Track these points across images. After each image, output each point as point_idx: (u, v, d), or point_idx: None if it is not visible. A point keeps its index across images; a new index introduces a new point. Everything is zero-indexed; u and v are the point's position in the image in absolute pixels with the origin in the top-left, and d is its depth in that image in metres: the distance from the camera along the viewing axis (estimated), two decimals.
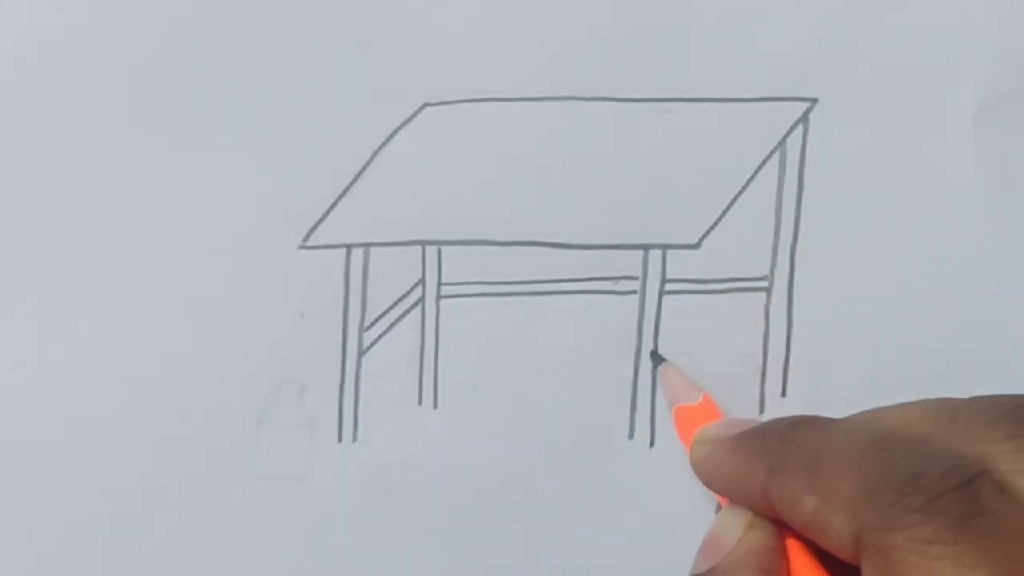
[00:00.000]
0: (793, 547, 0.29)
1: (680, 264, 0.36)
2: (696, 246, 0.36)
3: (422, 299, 0.36)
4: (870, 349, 0.37)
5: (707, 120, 0.36)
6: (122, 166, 0.36)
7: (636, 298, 0.36)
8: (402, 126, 0.36)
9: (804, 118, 0.36)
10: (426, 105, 0.36)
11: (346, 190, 0.36)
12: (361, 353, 0.36)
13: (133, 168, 0.36)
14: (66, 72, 0.35)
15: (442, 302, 0.36)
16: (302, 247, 0.36)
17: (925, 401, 0.28)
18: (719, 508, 0.32)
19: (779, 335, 0.36)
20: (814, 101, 0.36)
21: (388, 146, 0.36)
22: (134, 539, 0.36)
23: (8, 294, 0.36)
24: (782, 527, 0.29)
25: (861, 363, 0.36)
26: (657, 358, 0.36)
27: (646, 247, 0.36)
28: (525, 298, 0.36)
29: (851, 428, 0.28)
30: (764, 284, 0.36)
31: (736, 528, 0.30)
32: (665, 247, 0.36)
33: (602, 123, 0.36)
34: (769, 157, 0.36)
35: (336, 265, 0.36)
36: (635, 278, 0.36)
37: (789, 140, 0.36)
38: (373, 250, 0.36)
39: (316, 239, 0.36)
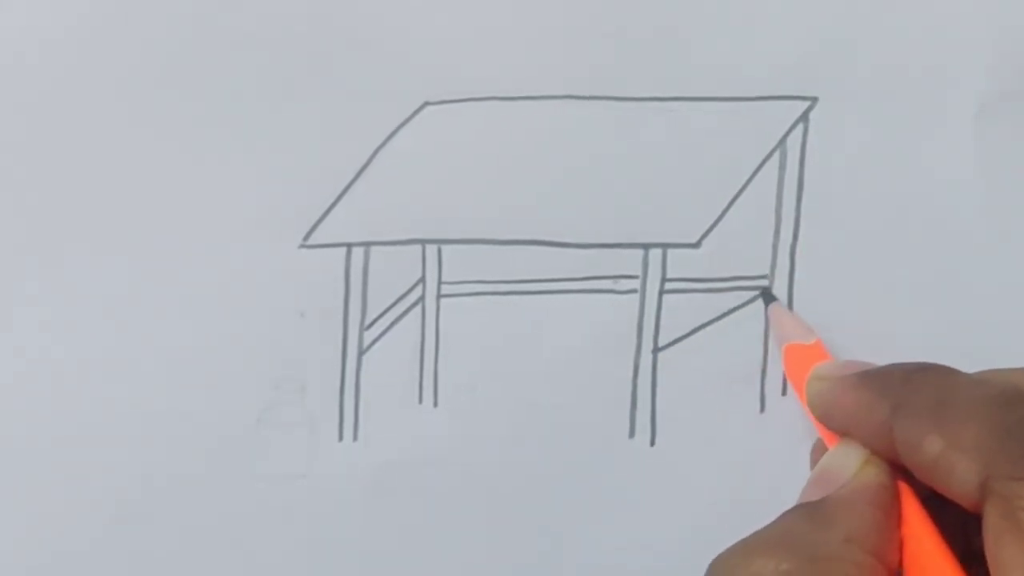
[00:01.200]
0: (905, 491, 0.29)
1: (680, 263, 0.36)
2: (696, 245, 0.36)
3: (422, 298, 0.36)
4: (870, 348, 0.36)
5: (707, 120, 0.36)
6: (122, 166, 0.36)
7: (636, 297, 0.36)
8: (402, 125, 0.36)
9: (804, 117, 0.36)
10: (426, 104, 0.36)
11: (346, 189, 0.36)
12: (361, 352, 0.36)
13: (133, 168, 0.36)
14: (66, 72, 0.35)
15: (442, 301, 0.36)
16: (302, 247, 0.36)
17: None
18: (816, 451, 0.32)
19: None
20: (814, 100, 0.36)
21: (388, 145, 0.36)
22: (134, 538, 0.36)
23: (8, 294, 0.36)
24: (897, 469, 0.29)
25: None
26: (769, 296, 0.36)
27: (646, 246, 0.36)
28: (525, 297, 0.36)
29: (979, 379, 0.29)
30: (765, 283, 0.36)
31: (851, 463, 0.29)
32: (665, 246, 0.36)
33: (602, 123, 0.36)
34: (769, 156, 0.36)
35: (336, 264, 0.36)
36: (635, 277, 0.36)
37: (789, 139, 0.36)
38: (373, 249, 0.36)
39: (316, 239, 0.36)
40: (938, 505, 0.28)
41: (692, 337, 0.36)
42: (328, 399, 0.36)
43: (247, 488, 0.36)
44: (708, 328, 0.36)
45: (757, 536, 0.27)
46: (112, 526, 0.36)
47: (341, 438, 0.36)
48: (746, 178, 0.36)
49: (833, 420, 0.32)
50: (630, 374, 0.36)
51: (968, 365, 0.36)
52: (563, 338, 0.36)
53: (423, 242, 0.36)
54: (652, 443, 0.36)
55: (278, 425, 0.36)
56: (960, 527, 0.28)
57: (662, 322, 0.36)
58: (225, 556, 0.36)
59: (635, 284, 0.36)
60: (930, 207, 0.36)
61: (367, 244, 0.36)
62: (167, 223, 0.36)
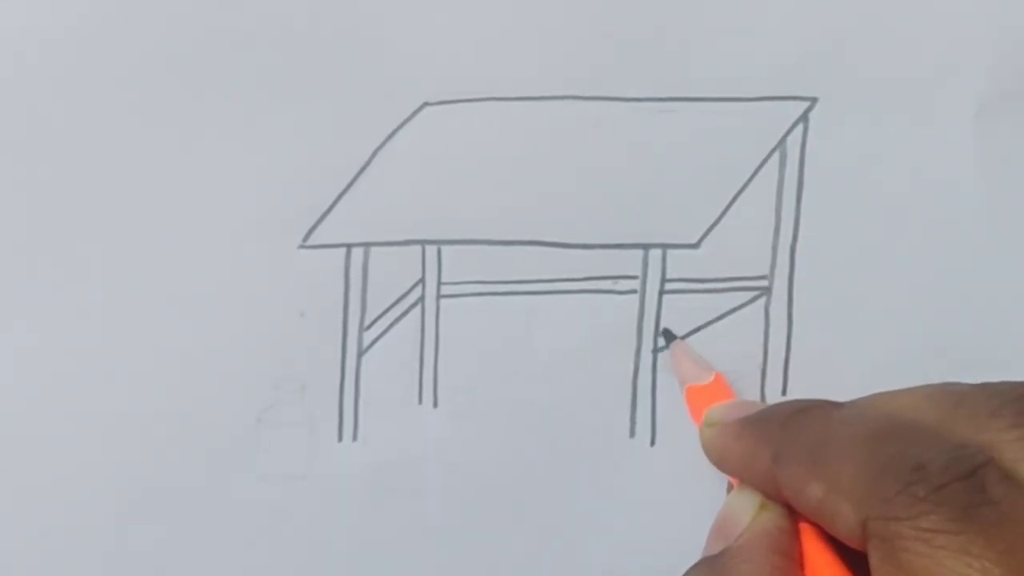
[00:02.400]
0: (805, 530, 0.29)
1: (680, 264, 0.36)
2: (696, 246, 0.36)
3: (422, 299, 0.36)
4: (870, 348, 0.37)
5: (707, 120, 0.36)
6: (122, 166, 0.36)
7: (636, 297, 0.36)
8: (402, 126, 0.36)
9: (804, 117, 0.36)
10: (426, 105, 0.36)
11: (346, 190, 0.36)
12: (361, 352, 0.36)
13: (133, 168, 0.36)
14: (66, 72, 0.35)
15: (442, 302, 0.36)
16: (302, 247, 0.36)
17: (929, 386, 0.28)
18: (730, 488, 0.32)
19: (779, 334, 0.36)
20: (814, 101, 0.36)
21: (388, 146, 0.36)
22: (134, 538, 0.36)
23: (8, 294, 0.36)
24: (794, 513, 0.29)
25: (861, 362, 0.37)
26: (670, 335, 0.36)
27: (646, 247, 0.36)
28: (525, 298, 0.36)
29: (854, 415, 0.28)
30: (764, 284, 0.36)
31: (748, 509, 0.30)
32: (665, 247, 0.36)
33: (602, 123, 0.36)
34: (769, 157, 0.36)
35: (336, 265, 0.36)
36: (635, 277, 0.36)
37: (789, 140, 0.36)
38: (373, 250, 0.36)
39: (316, 239, 0.36)
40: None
41: (692, 337, 0.36)
42: (328, 399, 0.36)
43: (247, 488, 0.36)
44: (708, 328, 0.36)
45: None
46: (112, 526, 0.36)
47: (341, 438, 0.36)
48: (746, 178, 0.36)
49: (726, 467, 0.32)
50: (630, 374, 0.36)
51: (968, 365, 0.37)
52: (563, 338, 0.36)
53: (423, 242, 0.36)
54: (652, 443, 0.36)
55: (278, 425, 0.36)
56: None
57: (662, 322, 0.36)
58: (225, 556, 0.36)
59: (635, 284, 0.36)
60: (930, 207, 0.36)
61: (367, 244, 0.36)
62: (167, 223, 0.36)
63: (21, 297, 0.36)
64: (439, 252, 0.36)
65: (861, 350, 0.37)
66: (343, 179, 0.36)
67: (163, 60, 0.35)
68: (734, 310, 0.36)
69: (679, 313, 0.36)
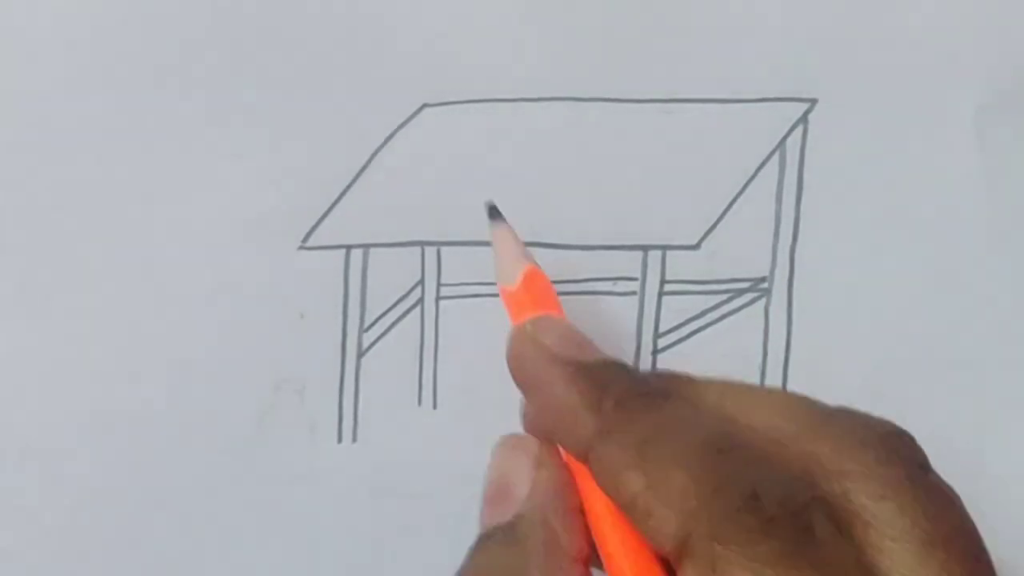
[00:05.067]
0: (582, 474, 0.28)
1: (679, 265, 0.36)
2: (696, 247, 0.36)
3: (421, 299, 0.36)
4: (870, 349, 0.37)
5: (707, 120, 0.36)
6: (122, 166, 0.36)
7: (636, 299, 0.36)
8: (402, 126, 0.36)
9: (804, 118, 0.36)
10: (426, 106, 0.36)
11: (346, 190, 0.36)
12: (361, 354, 0.36)
13: (133, 168, 0.36)
14: (66, 72, 0.35)
15: (441, 303, 0.36)
16: (302, 247, 0.36)
17: (791, 396, 0.28)
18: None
19: (779, 335, 0.37)
20: (814, 101, 0.36)
21: (387, 147, 0.36)
22: (133, 539, 0.36)
23: (8, 294, 0.36)
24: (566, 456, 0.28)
25: (861, 363, 0.37)
26: (493, 211, 0.33)
27: (645, 248, 0.36)
28: None
29: (696, 417, 0.27)
30: (764, 284, 0.36)
31: (524, 470, 0.29)
32: (665, 248, 0.36)
33: (602, 123, 0.36)
34: (769, 157, 0.36)
35: (336, 265, 0.36)
36: (634, 279, 0.36)
37: (789, 140, 0.36)
38: (372, 251, 0.36)
39: (315, 240, 0.36)
40: None
41: (691, 339, 0.36)
42: (327, 400, 0.36)
43: (247, 489, 0.36)
44: (707, 330, 0.36)
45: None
46: (112, 527, 0.36)
47: (340, 439, 0.36)
48: (745, 180, 0.36)
49: (531, 399, 0.30)
50: None
51: (968, 365, 0.37)
52: None
53: (422, 244, 0.36)
54: None
55: (277, 426, 0.36)
56: None
57: (661, 324, 0.36)
58: (225, 557, 0.36)
59: (634, 286, 0.36)
60: (930, 207, 0.36)
61: (366, 246, 0.36)
62: (167, 224, 0.36)
63: (21, 298, 0.36)
64: (439, 253, 0.36)
65: (861, 350, 0.37)
66: (343, 180, 0.36)
67: (163, 60, 0.35)
68: (734, 311, 0.36)
69: (679, 314, 0.36)
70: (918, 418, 0.36)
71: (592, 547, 0.28)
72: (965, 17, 0.36)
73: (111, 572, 0.36)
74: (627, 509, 0.26)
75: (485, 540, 0.28)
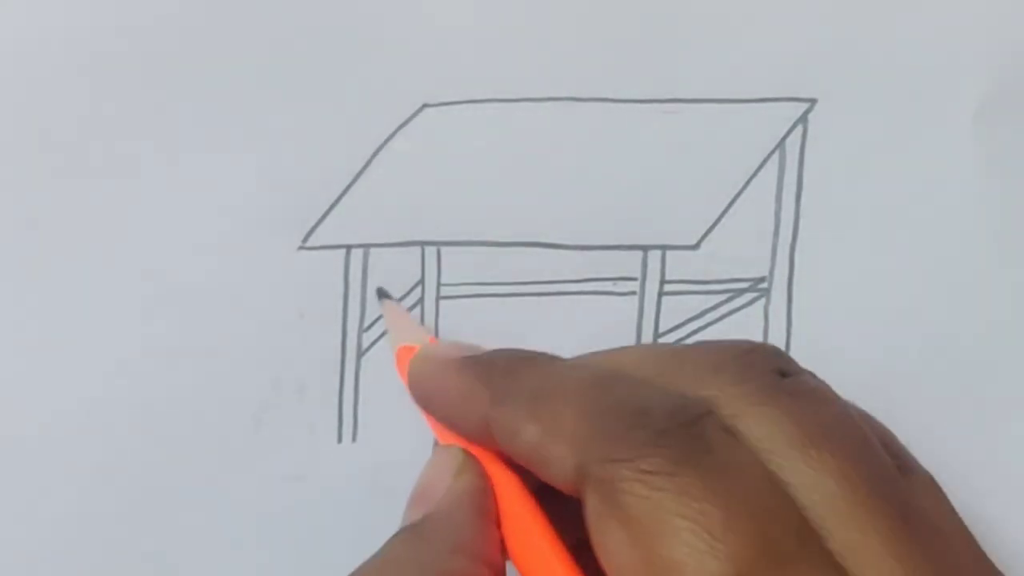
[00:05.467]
0: (513, 485, 0.29)
1: (679, 265, 0.36)
2: (695, 247, 0.36)
3: (421, 300, 0.36)
4: (869, 349, 0.37)
5: (707, 120, 0.36)
6: (122, 166, 0.36)
7: (635, 299, 0.36)
8: (402, 126, 0.36)
9: (803, 118, 0.36)
10: (426, 105, 0.36)
11: (346, 190, 0.36)
12: (360, 353, 0.36)
13: (133, 168, 0.36)
14: (66, 72, 0.35)
15: (441, 303, 0.36)
16: (302, 247, 0.36)
17: (652, 345, 0.30)
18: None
19: (778, 335, 0.37)
20: (813, 101, 0.36)
21: (387, 147, 0.36)
22: (133, 538, 0.36)
23: (7, 294, 0.36)
24: (493, 466, 0.29)
25: (861, 363, 0.37)
26: (383, 293, 0.35)
27: (645, 248, 0.36)
28: (524, 299, 0.36)
29: (578, 364, 0.28)
30: (763, 284, 0.36)
31: (446, 474, 0.29)
32: (664, 248, 0.36)
33: (602, 123, 0.36)
34: (768, 158, 0.36)
35: (336, 265, 0.36)
36: (634, 279, 0.36)
37: (788, 141, 0.36)
38: (372, 251, 0.36)
39: (316, 239, 0.36)
40: (553, 495, 0.27)
41: (691, 338, 0.36)
42: (327, 400, 0.36)
43: (246, 489, 0.36)
44: (707, 330, 0.36)
45: (363, 568, 0.27)
46: (111, 526, 0.36)
47: (340, 439, 0.36)
48: (745, 180, 0.36)
49: (435, 406, 0.31)
50: None
51: (968, 365, 0.37)
52: (562, 340, 0.36)
53: (422, 244, 0.36)
54: None
55: (277, 426, 0.36)
56: (576, 515, 0.27)
57: (661, 324, 0.36)
58: (224, 557, 0.36)
59: (634, 286, 0.36)
60: (930, 207, 0.36)
61: (366, 246, 0.36)
62: (167, 223, 0.36)
63: (21, 297, 0.36)
64: (439, 253, 0.36)
65: (861, 350, 0.37)
66: (343, 179, 0.36)
67: (163, 60, 0.35)
68: (734, 311, 0.36)
69: (678, 314, 0.36)
70: (918, 418, 0.36)
71: (503, 554, 0.28)
72: (965, 17, 0.36)
73: (110, 571, 0.36)
74: (530, 463, 0.27)
75: (394, 536, 0.28)
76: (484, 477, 0.29)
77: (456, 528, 0.28)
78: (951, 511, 0.26)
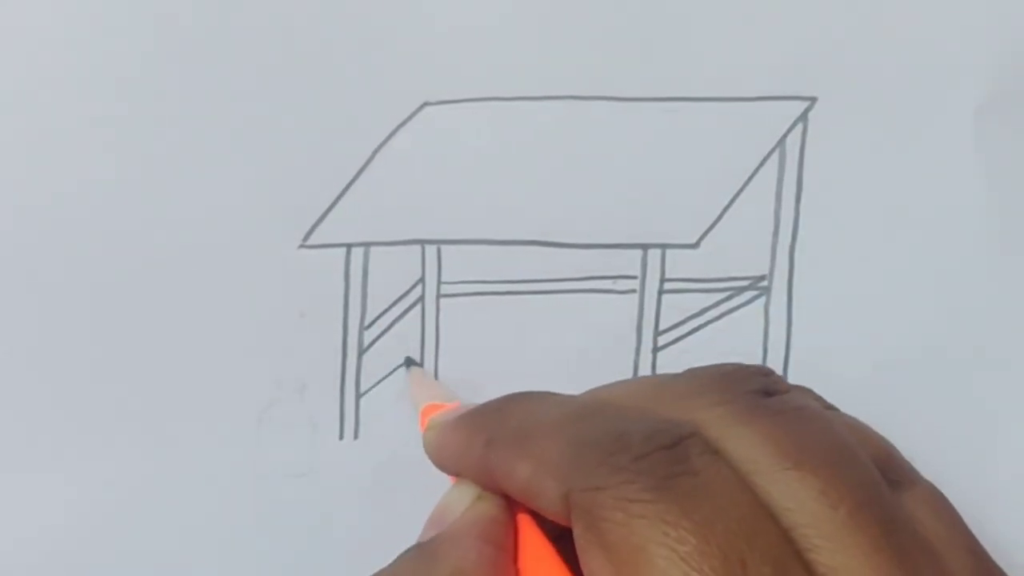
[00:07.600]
0: (522, 520, 0.28)
1: (679, 263, 0.36)
2: (695, 246, 0.36)
3: (422, 298, 0.36)
4: (870, 348, 0.37)
5: (706, 120, 0.36)
6: (121, 166, 0.36)
7: (635, 297, 0.36)
8: (402, 125, 0.36)
9: (803, 117, 0.36)
10: (426, 104, 0.36)
11: (346, 189, 0.36)
12: (362, 351, 0.36)
13: (132, 168, 0.36)
14: (66, 72, 0.35)
15: (442, 301, 0.36)
16: (302, 247, 0.36)
17: (643, 377, 0.30)
18: None
19: (779, 334, 0.37)
20: (813, 100, 0.36)
21: (388, 145, 0.36)
22: (134, 537, 0.36)
23: (6, 294, 0.36)
24: (512, 502, 0.29)
25: (861, 362, 0.37)
26: (411, 361, 0.36)
27: (645, 247, 0.36)
28: (525, 297, 0.36)
29: (564, 400, 0.28)
30: (763, 283, 0.36)
31: (464, 500, 0.29)
32: (664, 247, 0.36)
33: (602, 123, 0.36)
34: (768, 157, 0.36)
35: (336, 264, 0.36)
36: (634, 277, 0.36)
37: (788, 140, 0.36)
38: (373, 249, 0.36)
39: (316, 238, 0.36)
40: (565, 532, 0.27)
41: (691, 337, 0.36)
42: (328, 398, 0.36)
43: (248, 487, 0.36)
44: (707, 328, 0.36)
45: None
46: (112, 525, 0.36)
47: (342, 437, 0.36)
48: (745, 178, 0.36)
49: (445, 464, 0.32)
50: (629, 374, 0.36)
51: (968, 365, 0.37)
52: (563, 338, 0.36)
53: (423, 242, 0.36)
54: None
55: (279, 424, 0.36)
56: None
57: (661, 322, 0.36)
58: (226, 555, 0.36)
59: (634, 284, 0.36)
60: (930, 207, 0.36)
61: (367, 244, 0.36)
62: (167, 223, 0.36)
63: (19, 297, 0.36)
64: (439, 252, 0.36)
65: (861, 350, 0.37)
66: (343, 179, 0.36)
67: (163, 60, 0.35)
68: (734, 310, 0.36)
69: (678, 313, 0.36)
70: (918, 418, 0.36)
71: None
72: (965, 17, 0.36)
73: (111, 570, 0.36)
74: (527, 499, 0.27)
75: (404, 552, 0.28)
76: (503, 509, 0.29)
77: (462, 552, 0.28)
78: (952, 524, 0.26)
